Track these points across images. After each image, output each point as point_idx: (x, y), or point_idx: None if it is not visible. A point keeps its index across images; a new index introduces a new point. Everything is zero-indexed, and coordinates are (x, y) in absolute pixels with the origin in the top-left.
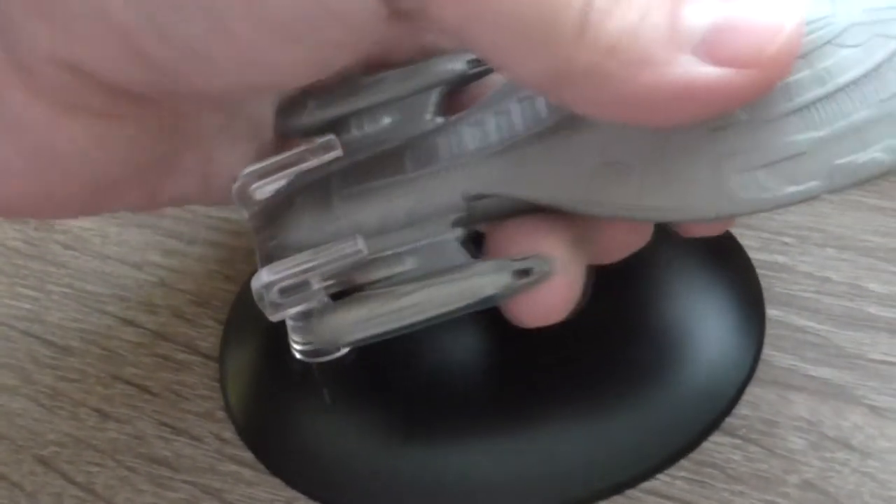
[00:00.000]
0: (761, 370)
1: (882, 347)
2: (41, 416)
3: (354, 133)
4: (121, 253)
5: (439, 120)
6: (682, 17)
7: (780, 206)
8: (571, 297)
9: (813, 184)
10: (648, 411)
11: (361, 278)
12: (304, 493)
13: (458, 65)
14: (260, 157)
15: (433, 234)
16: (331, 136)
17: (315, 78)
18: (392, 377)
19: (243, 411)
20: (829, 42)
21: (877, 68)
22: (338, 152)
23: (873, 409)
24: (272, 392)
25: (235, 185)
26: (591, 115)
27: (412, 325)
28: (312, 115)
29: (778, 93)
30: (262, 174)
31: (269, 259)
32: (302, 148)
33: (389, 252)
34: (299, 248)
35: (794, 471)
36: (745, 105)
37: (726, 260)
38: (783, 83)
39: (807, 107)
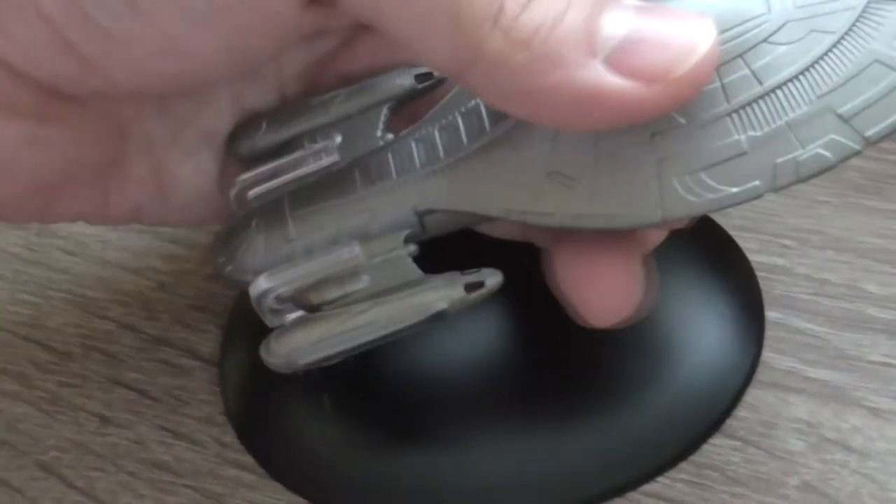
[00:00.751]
0: (761, 372)
1: (881, 349)
2: (42, 422)
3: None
4: (121, 258)
5: (389, 136)
6: (599, 24)
7: (725, 207)
8: (639, 293)
9: (755, 183)
10: (648, 414)
11: (315, 298)
12: (305, 497)
13: (406, 80)
14: (220, 170)
15: (386, 251)
16: (328, 142)
17: (237, 69)
18: (392, 381)
19: (243, 415)
20: (764, 40)
21: (813, 64)
22: (334, 157)
23: (873, 411)
24: (272, 396)
25: (233, 191)
26: (494, 105)
27: (368, 343)
28: (265, 138)
29: (716, 94)
30: (259, 180)
31: (230, 284)
32: (298, 153)
33: (343, 271)
34: (255, 272)
35: (793, 472)
36: (683, 108)
37: (726, 262)
38: (721, 84)
39: (745, 107)
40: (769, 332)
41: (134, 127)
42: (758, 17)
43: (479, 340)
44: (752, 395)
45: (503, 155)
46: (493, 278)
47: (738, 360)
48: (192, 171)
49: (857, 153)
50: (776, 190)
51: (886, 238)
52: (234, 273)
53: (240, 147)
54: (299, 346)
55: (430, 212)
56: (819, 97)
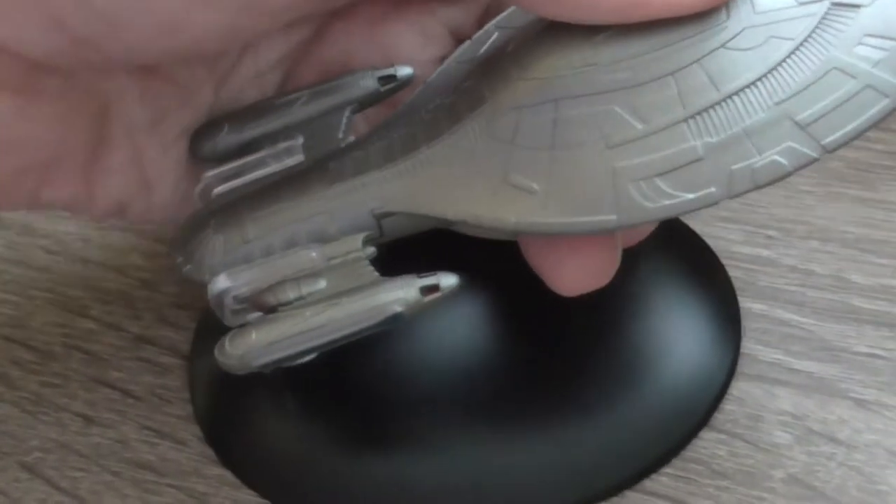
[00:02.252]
0: (746, 365)
1: (867, 340)
2: (24, 422)
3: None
4: (103, 257)
5: (350, 138)
6: None
7: (681, 213)
8: (613, 264)
9: (711, 190)
10: (628, 417)
11: (272, 299)
12: (271, 500)
13: (369, 82)
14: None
15: (344, 253)
16: (292, 141)
17: (236, 43)
18: (360, 381)
19: (210, 416)
20: (722, 46)
21: (771, 70)
22: (299, 157)
23: (859, 403)
24: (238, 397)
25: (198, 188)
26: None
27: (324, 345)
28: (226, 139)
29: (672, 100)
30: (225, 177)
31: (188, 284)
32: (264, 152)
33: (301, 272)
34: (213, 273)
35: (779, 465)
36: (638, 113)
37: (692, 257)
38: (677, 90)
39: (701, 112)
40: (754, 324)
41: (116, 107)
42: (716, 22)
43: (453, 338)
44: (738, 387)
45: (459, 158)
46: (448, 281)
47: (717, 359)
48: (174, 164)
49: (814, 161)
50: (732, 197)
51: (871, 227)
52: (192, 273)
53: (201, 148)
54: (253, 347)
55: (388, 214)
56: (777, 104)
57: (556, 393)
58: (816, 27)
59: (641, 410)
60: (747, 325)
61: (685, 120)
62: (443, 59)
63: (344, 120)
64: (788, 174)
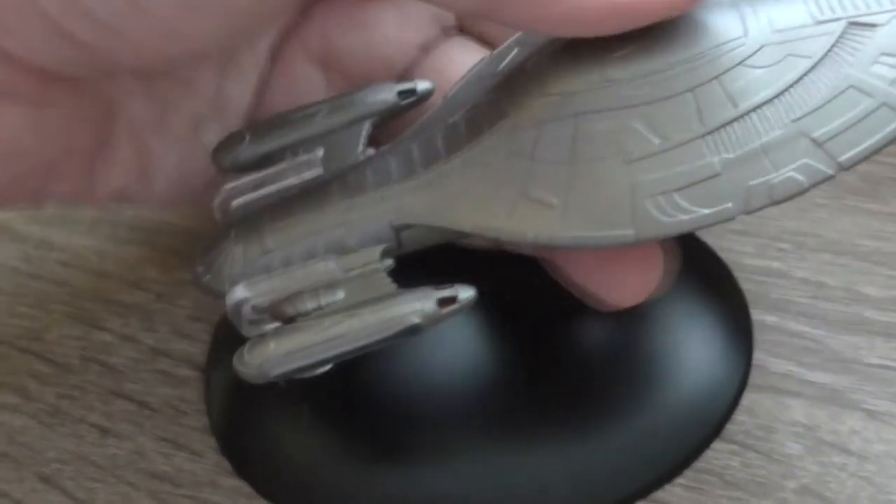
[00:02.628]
0: (758, 376)
1: (878, 351)
2: (42, 434)
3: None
4: (119, 270)
5: (370, 151)
6: None
7: (697, 228)
8: (658, 274)
9: (728, 205)
10: (644, 427)
11: (290, 310)
12: None
13: (389, 96)
14: (205, 162)
15: (362, 265)
16: (311, 154)
17: (233, 45)
18: (376, 393)
19: (225, 427)
20: (740, 63)
21: (788, 88)
22: (318, 170)
23: (870, 413)
24: (252, 407)
25: (216, 201)
26: (531, 30)
27: (341, 355)
28: (247, 150)
29: (690, 116)
30: (243, 190)
31: (208, 294)
32: (283, 165)
33: (319, 283)
34: (232, 282)
35: (791, 476)
36: (657, 129)
37: (705, 270)
38: (696, 106)
39: (719, 129)
40: (766, 336)
41: (121, 108)
42: (734, 39)
43: (466, 351)
44: (750, 398)
45: (479, 172)
46: (466, 293)
47: (729, 370)
48: (176, 154)
49: (830, 178)
50: (749, 212)
51: (883, 241)
52: (212, 283)
53: (223, 159)
54: (272, 357)
55: (407, 226)
56: (793, 121)
57: (567, 406)
58: (833, 46)
59: (653, 422)
60: (759, 336)
61: (703, 136)
62: (425, 45)
63: (363, 133)
64: (805, 190)
